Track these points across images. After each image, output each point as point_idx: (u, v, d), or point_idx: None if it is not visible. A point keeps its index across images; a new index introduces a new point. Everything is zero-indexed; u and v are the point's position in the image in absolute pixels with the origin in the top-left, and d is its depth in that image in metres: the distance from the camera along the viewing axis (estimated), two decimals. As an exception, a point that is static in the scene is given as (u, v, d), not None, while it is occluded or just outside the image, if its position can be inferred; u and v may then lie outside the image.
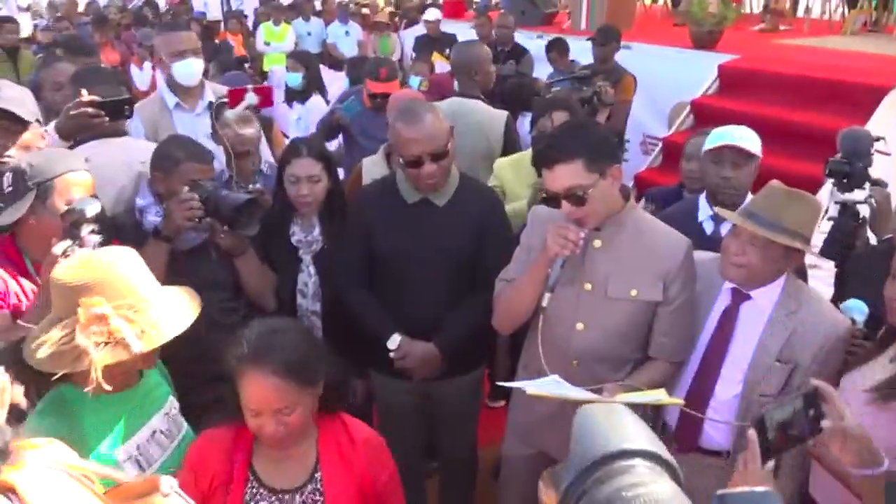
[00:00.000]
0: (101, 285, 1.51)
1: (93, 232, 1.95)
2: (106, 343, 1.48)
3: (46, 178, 2.01)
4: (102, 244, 1.94)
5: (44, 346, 1.48)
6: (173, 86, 3.28)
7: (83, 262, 1.56)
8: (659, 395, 1.98)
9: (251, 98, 2.86)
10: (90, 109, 2.42)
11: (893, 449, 1.75)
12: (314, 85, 5.44)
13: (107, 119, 2.46)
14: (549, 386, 2.06)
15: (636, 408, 2.03)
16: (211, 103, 3.16)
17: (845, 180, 2.61)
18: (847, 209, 2.60)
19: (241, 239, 2.44)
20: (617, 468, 0.97)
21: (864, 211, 2.63)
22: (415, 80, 5.11)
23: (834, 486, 1.78)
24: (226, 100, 2.91)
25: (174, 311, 1.62)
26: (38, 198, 2.00)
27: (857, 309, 2.18)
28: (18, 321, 1.92)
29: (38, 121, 2.42)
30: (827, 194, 3.97)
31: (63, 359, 1.47)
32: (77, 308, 1.48)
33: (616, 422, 1.07)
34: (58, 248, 1.88)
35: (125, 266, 1.57)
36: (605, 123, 4.28)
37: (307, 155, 2.60)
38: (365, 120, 4.16)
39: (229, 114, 2.81)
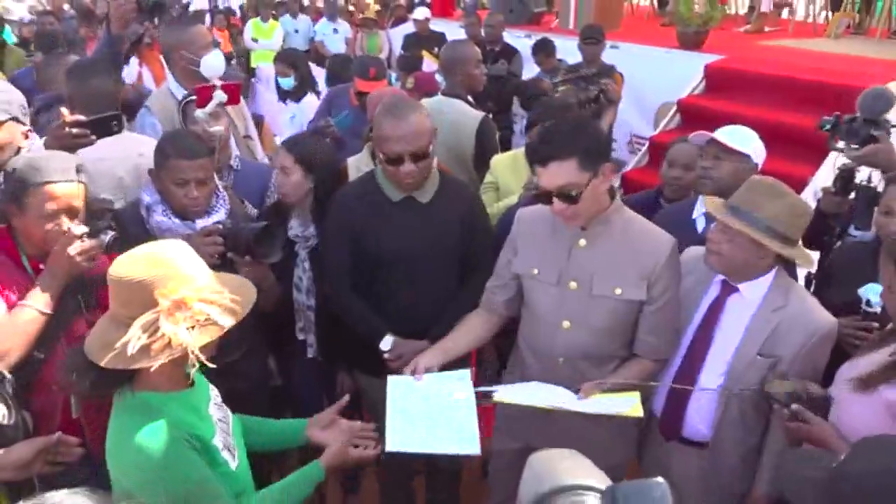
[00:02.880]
0: (171, 277, 1.51)
1: (109, 227, 1.99)
2: (193, 326, 1.49)
3: (26, 186, 1.95)
4: (114, 240, 1.97)
5: (130, 343, 1.46)
6: (184, 80, 3.26)
7: (147, 258, 1.54)
8: (632, 400, 2.04)
9: (220, 96, 2.84)
10: (75, 130, 2.35)
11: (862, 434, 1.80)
12: (306, 84, 5.42)
13: (94, 138, 2.39)
14: (520, 393, 2.12)
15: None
16: (182, 98, 3.15)
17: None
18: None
19: (266, 270, 2.41)
20: (566, 500, 0.99)
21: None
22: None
23: None
24: (193, 98, 2.89)
25: (239, 288, 1.63)
26: (16, 203, 1.97)
27: (875, 291, 2.17)
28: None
29: (15, 119, 2.32)
30: (811, 194, 4.04)
31: (153, 351, 1.47)
32: (150, 301, 1.49)
33: (571, 463, 1.10)
34: (77, 230, 1.94)
35: (185, 257, 1.57)
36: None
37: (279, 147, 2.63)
38: (352, 118, 4.16)
39: (199, 113, 2.80)
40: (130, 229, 2.33)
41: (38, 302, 1.93)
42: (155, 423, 1.55)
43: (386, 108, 2.44)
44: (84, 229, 1.95)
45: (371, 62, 4.33)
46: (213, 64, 3.14)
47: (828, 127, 2.74)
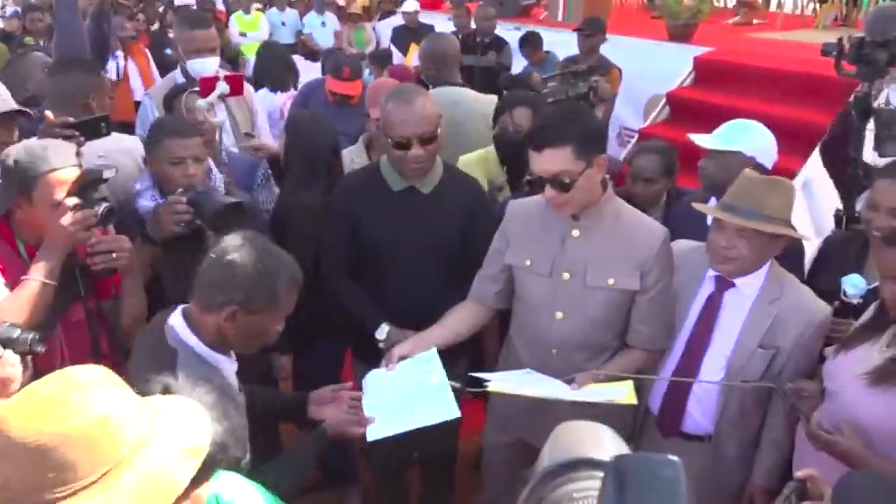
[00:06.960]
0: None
1: (103, 199, 1.99)
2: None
3: (29, 176, 1.95)
4: (109, 211, 1.98)
5: None
6: (186, 73, 3.25)
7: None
8: (624, 390, 2.04)
9: (223, 87, 2.82)
10: (65, 131, 2.30)
11: (887, 431, 1.79)
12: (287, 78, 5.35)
13: (83, 139, 2.34)
14: (514, 382, 2.11)
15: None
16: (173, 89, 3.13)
17: None
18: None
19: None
20: (579, 475, 0.96)
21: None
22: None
23: (819, 460, 1.81)
24: (196, 88, 2.86)
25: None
26: (22, 194, 1.96)
27: (853, 283, 2.17)
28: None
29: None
30: (800, 185, 4.04)
31: None
32: None
33: (593, 436, 1.07)
34: (70, 201, 1.94)
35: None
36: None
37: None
38: (329, 115, 4.08)
39: (201, 102, 2.78)
40: (126, 217, 2.35)
41: (39, 273, 1.92)
42: None
43: (392, 94, 2.46)
44: (76, 200, 1.95)
45: (346, 62, 4.27)
46: (196, 69, 3.16)
47: (833, 53, 2.66)
